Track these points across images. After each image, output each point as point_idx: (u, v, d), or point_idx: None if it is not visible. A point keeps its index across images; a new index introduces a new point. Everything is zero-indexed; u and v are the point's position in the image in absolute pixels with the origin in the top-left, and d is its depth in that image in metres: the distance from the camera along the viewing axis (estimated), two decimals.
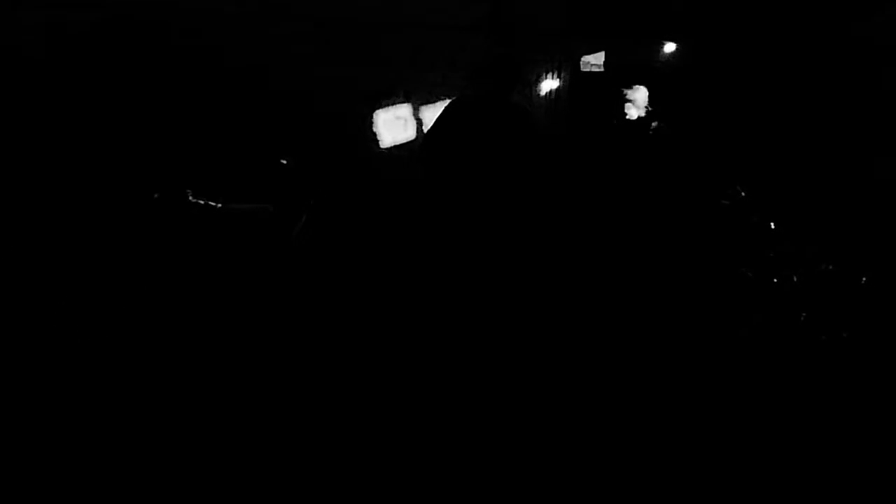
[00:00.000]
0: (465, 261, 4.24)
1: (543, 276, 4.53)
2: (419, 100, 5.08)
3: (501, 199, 4.24)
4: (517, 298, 4.31)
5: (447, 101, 4.32)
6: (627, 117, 4.78)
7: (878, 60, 5.28)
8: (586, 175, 5.17)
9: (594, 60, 5.53)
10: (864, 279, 4.25)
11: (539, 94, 5.43)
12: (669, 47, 5.68)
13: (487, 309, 4.21)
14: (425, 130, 4.97)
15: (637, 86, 4.81)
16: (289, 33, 4.91)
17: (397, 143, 5.06)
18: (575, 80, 5.49)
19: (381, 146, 5.04)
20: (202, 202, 4.08)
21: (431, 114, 4.90)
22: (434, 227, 4.32)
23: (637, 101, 4.73)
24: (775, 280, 4.36)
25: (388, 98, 5.02)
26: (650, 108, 4.79)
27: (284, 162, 4.73)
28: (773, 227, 4.58)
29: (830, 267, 4.30)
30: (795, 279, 4.32)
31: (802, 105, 5.35)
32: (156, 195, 4.16)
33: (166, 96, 4.76)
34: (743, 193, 4.89)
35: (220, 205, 4.15)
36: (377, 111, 5.01)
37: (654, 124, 4.90)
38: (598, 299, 4.52)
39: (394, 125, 5.04)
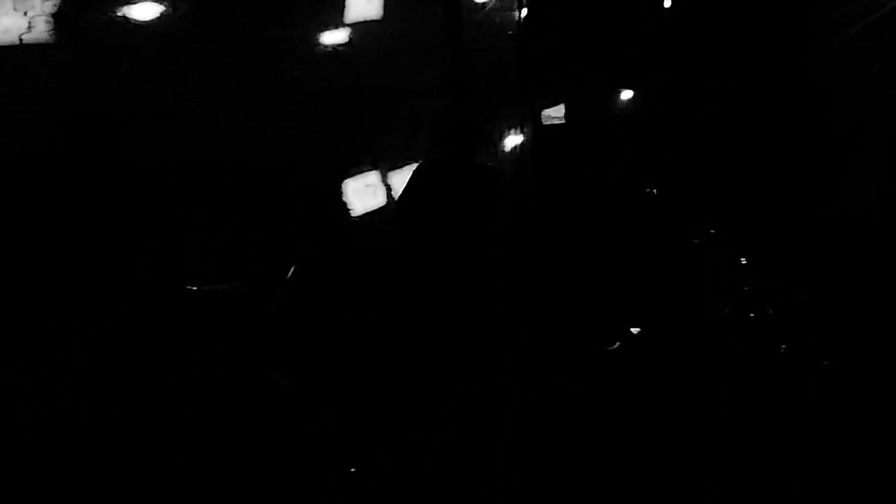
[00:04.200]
0: (441, 323, 4.25)
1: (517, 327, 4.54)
2: (386, 166, 5.14)
3: (475, 259, 4.27)
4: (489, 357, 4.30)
5: (414, 166, 4.37)
6: (591, 166, 4.87)
7: (831, 88, 5.45)
8: (560, 223, 5.25)
9: (554, 113, 5.65)
10: (837, 306, 4.33)
11: (504, 151, 5.53)
12: (627, 94, 5.83)
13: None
14: (395, 196, 5.02)
15: (596, 135, 4.92)
16: (252, 109, 4.97)
17: (369, 211, 5.10)
18: (537, 133, 5.60)
19: (353, 215, 5.07)
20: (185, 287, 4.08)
21: (400, 179, 4.96)
22: (409, 291, 4.33)
23: (598, 150, 4.83)
24: (752, 314, 4.42)
25: (356, 166, 5.08)
26: (615, 156, 4.90)
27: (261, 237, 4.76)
28: (743, 262, 4.66)
29: (804, 297, 4.38)
30: (771, 312, 4.39)
31: (760, 139, 5.49)
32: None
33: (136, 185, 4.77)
34: (712, 231, 4.98)
35: (195, 287, 4.14)
36: (346, 180, 5.06)
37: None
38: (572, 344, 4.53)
39: (364, 193, 5.09)
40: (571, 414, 3.93)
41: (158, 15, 4.72)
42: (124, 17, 4.62)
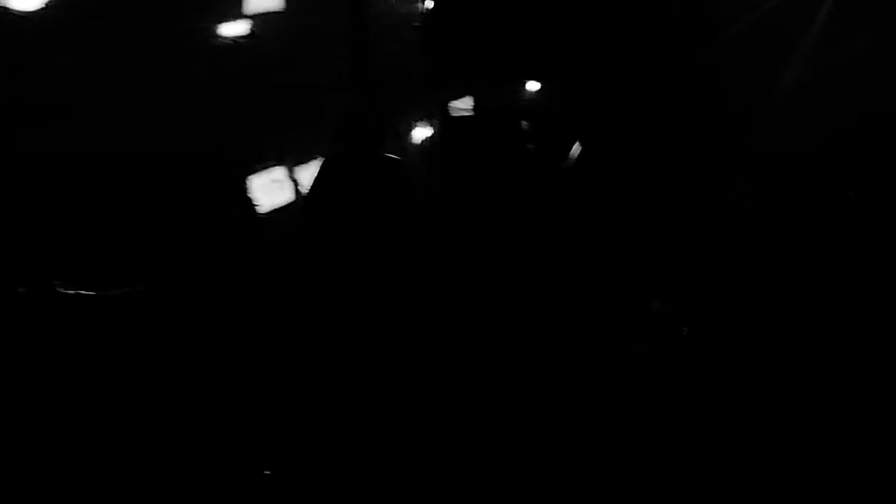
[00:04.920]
0: (356, 319, 4.22)
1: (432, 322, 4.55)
2: (292, 161, 5.04)
3: (387, 254, 4.26)
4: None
5: (320, 160, 4.31)
6: (500, 156, 4.90)
7: (725, 82, 5.64)
8: (473, 219, 5.27)
9: (463, 105, 5.66)
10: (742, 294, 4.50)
11: (412, 144, 5.51)
12: (534, 86, 5.89)
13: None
14: (302, 192, 4.94)
15: (504, 126, 4.96)
16: (150, 104, 4.80)
17: (276, 207, 5.00)
18: (446, 126, 5.61)
19: (260, 211, 4.96)
20: (72, 292, 3.88)
21: (307, 174, 4.87)
22: (321, 288, 4.28)
23: (506, 140, 4.86)
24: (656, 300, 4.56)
25: (261, 162, 4.96)
26: (520, 147, 4.94)
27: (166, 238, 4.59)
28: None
29: (707, 288, 4.54)
30: (674, 298, 4.53)
31: (663, 133, 5.64)
32: (20, 289, 3.93)
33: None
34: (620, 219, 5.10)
35: (93, 293, 3.96)
36: (251, 176, 4.94)
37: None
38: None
39: (270, 189, 4.98)
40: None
41: (44, 5, 4.49)
42: (3, 8, 4.37)
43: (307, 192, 4.30)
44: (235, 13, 5.02)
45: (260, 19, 5.06)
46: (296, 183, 5.05)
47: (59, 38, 4.62)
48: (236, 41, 5.02)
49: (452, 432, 3.71)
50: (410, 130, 5.53)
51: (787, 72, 5.29)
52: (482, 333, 4.51)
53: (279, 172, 5.03)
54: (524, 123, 5.62)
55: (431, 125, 5.58)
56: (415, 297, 4.43)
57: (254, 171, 4.96)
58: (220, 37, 5.01)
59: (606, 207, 5.26)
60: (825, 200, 4.84)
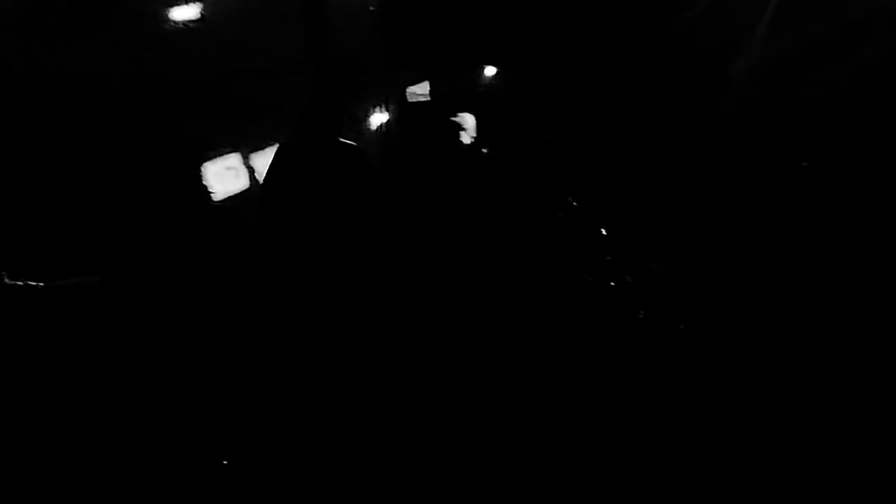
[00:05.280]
0: (314, 305, 4.19)
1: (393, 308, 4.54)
2: (248, 148, 4.98)
3: (346, 240, 4.24)
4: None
5: (276, 147, 4.26)
6: (457, 141, 4.89)
7: (680, 62, 5.69)
8: (429, 200, 5.26)
9: (420, 91, 5.64)
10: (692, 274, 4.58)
11: (370, 130, 5.47)
12: (490, 71, 5.89)
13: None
14: (259, 179, 4.88)
15: (461, 111, 4.95)
16: (102, 93, 4.68)
17: (231, 195, 4.93)
18: (403, 111, 5.58)
19: (215, 199, 4.88)
20: (20, 283, 3.78)
21: (262, 161, 4.81)
22: (280, 274, 4.24)
23: (462, 125, 4.85)
24: (612, 283, 4.61)
25: (216, 149, 4.88)
26: (477, 133, 4.94)
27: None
28: (604, 232, 4.84)
29: (660, 265, 4.60)
30: (629, 280, 4.59)
31: (618, 114, 5.69)
32: None
33: None
34: (575, 203, 5.14)
35: (41, 283, 3.86)
36: (205, 164, 4.86)
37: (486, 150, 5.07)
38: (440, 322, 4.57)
39: (225, 176, 4.91)
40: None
41: None
42: None
43: (263, 179, 4.25)
44: None
45: (213, 4, 4.96)
46: (251, 170, 4.99)
47: (8, 27, 4.48)
48: (189, 27, 4.92)
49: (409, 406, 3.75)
50: (368, 116, 5.49)
51: (741, 59, 5.36)
52: (444, 318, 4.53)
53: (234, 160, 4.96)
54: (480, 110, 5.61)
55: (389, 111, 5.55)
56: (374, 284, 4.42)
57: (208, 158, 4.88)
58: (174, 23, 4.90)
59: (566, 194, 5.29)
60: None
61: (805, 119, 4.98)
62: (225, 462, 3.46)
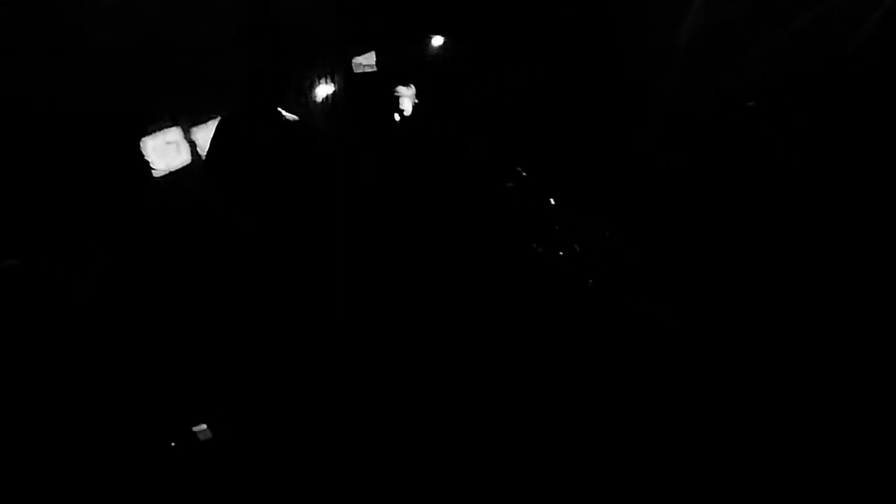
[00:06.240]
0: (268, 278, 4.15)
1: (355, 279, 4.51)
2: (188, 122, 4.84)
3: (294, 209, 4.19)
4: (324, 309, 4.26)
5: (218, 120, 4.16)
6: (404, 112, 4.82)
7: (625, 32, 5.70)
8: (378, 172, 5.19)
9: (366, 61, 5.55)
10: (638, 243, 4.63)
11: (315, 101, 5.37)
12: (437, 41, 5.82)
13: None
14: (201, 153, 4.77)
15: (408, 81, 4.87)
16: (38, 64, 4.50)
17: (172, 170, 4.80)
18: (349, 82, 5.49)
19: (156, 174, 4.75)
20: None
21: (204, 135, 4.70)
22: (235, 245, 4.19)
23: (409, 96, 4.78)
24: (561, 252, 4.64)
25: (155, 123, 4.74)
26: (420, 101, 4.87)
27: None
28: (552, 202, 4.85)
29: (608, 234, 4.64)
30: (578, 249, 4.62)
31: (568, 88, 5.69)
32: None
33: None
34: (524, 174, 5.13)
35: None
36: (144, 138, 4.71)
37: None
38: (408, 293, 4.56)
39: (165, 151, 4.77)
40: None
41: None
42: None
43: (205, 154, 4.16)
44: None
45: None
46: (193, 144, 4.87)
47: None
48: None
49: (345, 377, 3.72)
50: (313, 87, 5.39)
51: (682, 27, 5.40)
52: (391, 288, 4.51)
53: (174, 134, 4.83)
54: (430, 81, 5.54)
55: (335, 82, 5.45)
56: (319, 258, 4.38)
57: (148, 132, 4.74)
58: None
59: (515, 165, 5.29)
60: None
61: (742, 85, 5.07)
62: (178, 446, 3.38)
